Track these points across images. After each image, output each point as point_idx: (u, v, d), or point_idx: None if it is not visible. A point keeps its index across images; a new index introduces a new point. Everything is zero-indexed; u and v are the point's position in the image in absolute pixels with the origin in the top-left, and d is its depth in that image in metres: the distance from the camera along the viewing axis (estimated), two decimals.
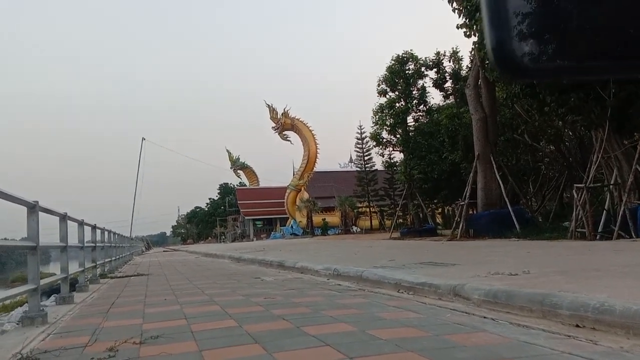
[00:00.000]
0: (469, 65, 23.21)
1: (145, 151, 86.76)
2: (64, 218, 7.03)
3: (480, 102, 18.97)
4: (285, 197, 60.49)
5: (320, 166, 62.49)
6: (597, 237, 12.40)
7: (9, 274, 48.82)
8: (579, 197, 13.36)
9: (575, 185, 14.47)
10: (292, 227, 58.23)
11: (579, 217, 13.24)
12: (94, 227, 10.54)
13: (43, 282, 5.42)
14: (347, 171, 61.29)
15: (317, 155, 60.27)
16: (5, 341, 4.08)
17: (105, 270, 12.61)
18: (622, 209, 12.23)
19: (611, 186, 13.58)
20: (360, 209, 50.33)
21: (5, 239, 10.01)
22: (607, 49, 0.62)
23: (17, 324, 5.13)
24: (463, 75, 25.90)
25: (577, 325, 3.39)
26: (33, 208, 5.11)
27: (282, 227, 62.93)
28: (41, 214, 5.41)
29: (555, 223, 17.45)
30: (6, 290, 5.19)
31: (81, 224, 8.83)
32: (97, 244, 10.96)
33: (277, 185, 69.48)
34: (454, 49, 27.49)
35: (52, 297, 7.97)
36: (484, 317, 3.90)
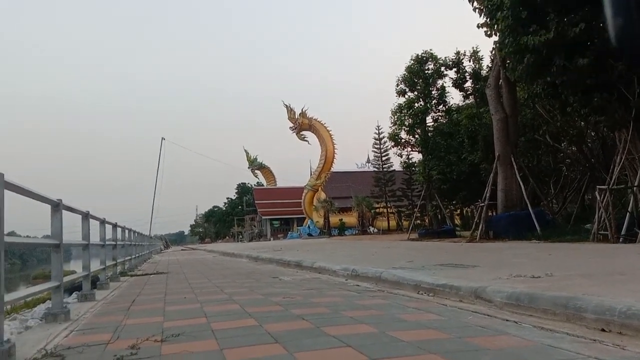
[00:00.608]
0: (490, 65, 22.96)
1: (165, 151, 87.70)
2: (86, 216, 7.12)
3: (500, 102, 18.77)
4: (303, 197, 60.59)
5: (338, 166, 62.52)
6: (620, 240, 12.17)
7: (30, 271, 49.73)
8: (602, 198, 13.13)
9: (597, 186, 14.22)
10: (309, 227, 58.32)
11: (602, 219, 13.02)
12: (114, 226, 10.66)
13: (66, 279, 5.50)
14: (365, 171, 61.20)
15: (335, 155, 60.27)
16: (29, 337, 4.15)
17: (125, 268, 12.75)
18: None
19: (635, 188, 13.32)
20: (377, 210, 50.17)
21: (27, 236, 10.17)
22: None
23: (41, 321, 5.20)
24: (483, 75, 25.65)
25: (603, 330, 3.33)
26: (57, 206, 5.18)
27: (299, 227, 63.08)
28: (64, 213, 5.48)
29: (577, 225, 17.18)
30: (31, 287, 5.27)
31: (102, 222, 8.94)
32: (118, 242, 11.09)
33: (295, 185, 69.66)
34: (474, 49, 27.25)
35: (74, 295, 8.07)
36: (507, 320, 3.85)
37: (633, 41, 0.62)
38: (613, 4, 0.63)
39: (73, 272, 8.71)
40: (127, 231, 13.66)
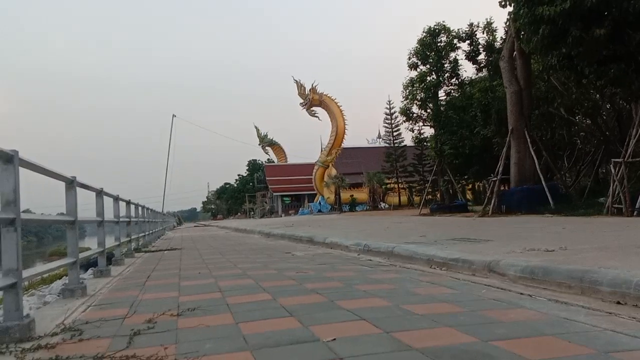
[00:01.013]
0: (504, 37, 22.57)
1: (176, 128, 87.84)
2: (100, 193, 7.17)
3: (514, 75, 18.47)
4: (313, 174, 60.54)
5: (349, 142, 62.22)
6: (635, 214, 12.06)
7: (46, 248, 50.56)
8: (617, 172, 12.97)
9: (612, 159, 14.04)
10: (320, 203, 58.40)
11: (616, 192, 12.88)
12: (128, 203, 10.75)
13: (82, 255, 5.56)
14: (376, 147, 60.91)
15: (345, 131, 59.92)
16: (47, 312, 4.22)
17: (140, 244, 12.90)
18: None
19: None
20: (388, 185, 50.02)
21: (42, 214, 10.29)
22: None
23: (58, 296, 5.29)
24: (497, 47, 25.21)
25: (619, 302, 3.31)
26: (71, 183, 5.21)
27: (310, 203, 63.19)
28: (78, 190, 5.52)
29: (591, 199, 17.04)
30: (48, 263, 5.34)
31: (116, 199, 9.00)
32: (132, 219, 11.18)
33: (305, 161, 69.57)
34: (488, 20, 26.73)
35: (90, 271, 8.20)
36: (521, 294, 3.84)
37: None
38: None
39: (88, 249, 8.83)
40: (140, 208, 13.77)
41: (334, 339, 2.67)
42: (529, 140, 17.98)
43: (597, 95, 18.47)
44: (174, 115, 71.16)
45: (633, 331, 2.62)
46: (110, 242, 8.71)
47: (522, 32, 15.48)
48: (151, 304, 4.11)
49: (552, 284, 3.97)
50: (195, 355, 2.54)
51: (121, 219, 9.36)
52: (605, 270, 3.71)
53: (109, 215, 8.17)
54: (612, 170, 13.35)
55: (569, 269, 3.96)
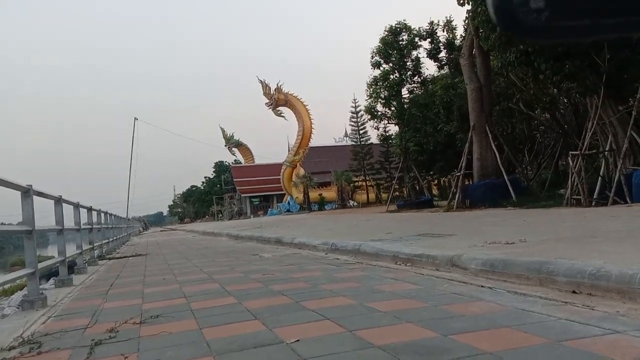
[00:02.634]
0: (463, 35, 22.95)
1: (139, 131, 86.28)
2: (58, 201, 7.00)
3: (474, 72, 18.83)
4: (281, 174, 60.35)
5: (316, 141, 62.24)
6: (593, 204, 12.46)
7: (8, 258, 49.00)
8: (575, 164, 13.38)
9: (570, 152, 14.47)
10: (288, 203, 58.31)
11: (575, 184, 13.28)
12: (89, 209, 10.52)
13: (41, 265, 5.42)
14: (343, 145, 61.16)
15: (312, 130, 59.90)
16: (5, 325, 4.09)
17: (103, 251, 12.64)
18: (617, 175, 12.27)
19: (606, 152, 13.60)
20: (356, 183, 50.32)
21: (2, 223, 9.97)
22: (624, 4, 0.57)
23: (17, 308, 5.14)
24: (457, 44, 25.62)
25: (574, 292, 3.42)
26: (27, 192, 5.07)
27: (279, 204, 63.00)
28: (36, 198, 5.38)
29: (551, 191, 17.52)
30: (4, 275, 5.18)
31: (77, 206, 8.80)
32: (94, 226, 10.95)
33: (273, 161, 69.32)
34: (448, 18, 27.12)
35: (51, 280, 7.99)
36: (482, 286, 3.92)
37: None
38: None
39: (51, 257, 8.61)
40: (103, 214, 13.49)
41: (298, 340, 2.68)
42: (490, 135, 18.35)
43: (555, 90, 18.97)
44: (135, 119, 69.90)
45: (586, 319, 2.72)
46: (71, 250, 8.50)
47: (481, 30, 15.79)
48: (113, 313, 4.04)
49: (511, 276, 4.07)
50: None
51: (83, 226, 9.15)
52: (561, 261, 3.82)
53: (69, 222, 7.99)
54: (570, 163, 13.76)
55: (527, 261, 4.07)
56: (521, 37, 0.64)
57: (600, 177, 13.11)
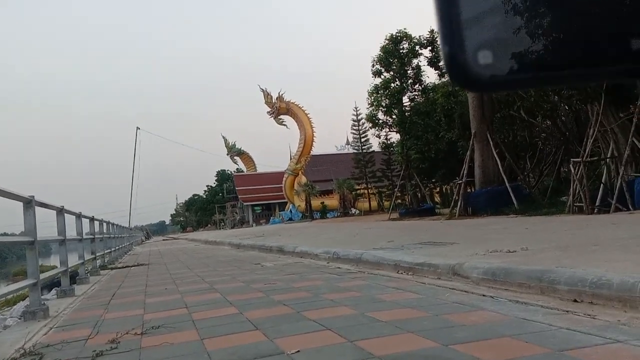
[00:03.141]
0: None
1: (141, 140, 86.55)
2: (60, 211, 7.02)
3: None
4: (283, 182, 60.40)
5: (317, 149, 62.32)
6: (595, 211, 12.43)
7: (10, 268, 48.96)
8: (576, 171, 13.36)
9: (572, 159, 14.46)
10: (290, 211, 58.31)
11: (577, 191, 13.26)
12: (92, 219, 10.54)
13: (43, 276, 5.43)
14: (345, 154, 61.17)
15: (314, 138, 60.04)
16: (7, 336, 4.10)
17: (106, 261, 12.64)
18: (619, 182, 12.25)
19: (608, 159, 13.59)
20: (358, 191, 50.30)
21: (5, 233, 9.99)
22: (569, 57, 0.60)
23: (19, 319, 5.15)
24: None
25: (575, 300, 3.41)
26: (29, 203, 5.09)
27: (281, 212, 63.00)
28: (39, 209, 5.40)
29: (553, 198, 17.48)
30: (6, 286, 5.18)
31: (79, 216, 8.82)
32: (96, 236, 10.96)
33: (275, 170, 69.41)
34: None
35: (53, 291, 7.99)
36: (483, 295, 3.92)
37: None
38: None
39: (54, 267, 8.61)
40: (105, 224, 13.50)
41: (298, 351, 2.68)
42: (491, 143, 18.36)
43: (556, 98, 18.98)
44: (138, 128, 70.20)
45: (587, 328, 2.71)
46: (74, 260, 8.51)
47: None
48: (115, 323, 4.04)
49: (513, 284, 4.06)
50: None
51: (85, 236, 9.17)
52: (563, 270, 3.82)
53: (72, 233, 8.00)
54: (572, 170, 13.75)
55: (528, 270, 4.07)
56: (474, 90, 0.67)
57: (602, 184, 13.09)
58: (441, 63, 27.57)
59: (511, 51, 0.61)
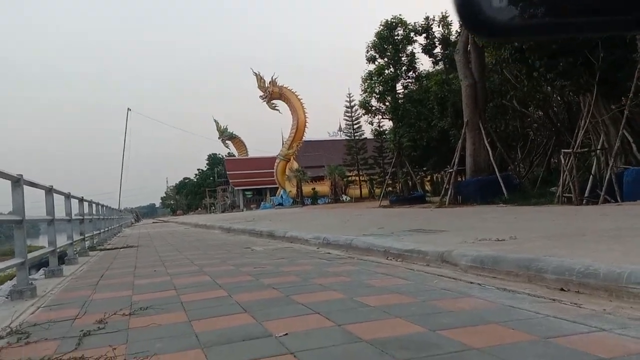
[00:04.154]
0: (459, 31, 22.95)
1: (132, 122, 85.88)
2: (49, 191, 6.96)
3: (469, 68, 18.86)
4: (275, 167, 60.34)
5: (310, 135, 62.27)
6: (584, 202, 12.54)
7: None
8: (566, 162, 13.45)
9: (562, 150, 14.55)
10: (281, 197, 58.32)
11: (566, 182, 13.36)
12: (81, 200, 10.47)
13: (31, 255, 5.39)
14: (337, 140, 61.11)
15: (306, 124, 59.94)
16: None
17: (94, 242, 12.59)
18: (608, 173, 12.35)
19: (598, 151, 13.68)
20: (349, 178, 50.37)
21: None
22: (584, 3, 0.58)
23: (6, 298, 5.11)
24: (452, 40, 25.62)
25: (562, 289, 3.44)
26: (17, 182, 5.04)
27: (272, 197, 63.02)
28: (27, 188, 5.35)
29: (543, 188, 17.60)
30: None
31: (68, 197, 8.76)
32: (85, 217, 10.90)
33: (267, 155, 69.27)
34: (443, 14, 27.10)
35: (41, 271, 7.96)
36: (471, 283, 3.94)
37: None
38: None
39: (42, 248, 8.56)
40: (94, 205, 13.43)
41: (286, 334, 2.68)
42: (483, 132, 18.41)
43: (548, 88, 19.02)
44: (129, 109, 69.65)
45: (573, 317, 2.74)
46: (62, 240, 8.47)
47: None
48: (103, 304, 4.03)
49: (501, 272, 4.09)
50: (146, 354, 2.51)
51: (74, 217, 9.11)
52: (550, 259, 3.85)
53: (61, 213, 7.95)
54: (562, 161, 13.83)
55: (516, 258, 4.10)
56: (484, 36, 0.65)
57: (591, 176, 13.19)
58: (436, 50, 27.55)
59: None
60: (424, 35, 27.52)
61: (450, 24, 26.95)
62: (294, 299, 3.69)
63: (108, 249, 11.45)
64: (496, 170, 17.66)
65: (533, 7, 0.59)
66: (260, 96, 60.10)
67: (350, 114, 46.27)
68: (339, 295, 3.72)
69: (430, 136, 25.28)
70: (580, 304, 3.02)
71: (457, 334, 2.49)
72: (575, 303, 3.05)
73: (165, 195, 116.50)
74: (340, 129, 62.36)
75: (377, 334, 2.58)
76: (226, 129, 78.65)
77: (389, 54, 27.08)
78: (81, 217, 10.25)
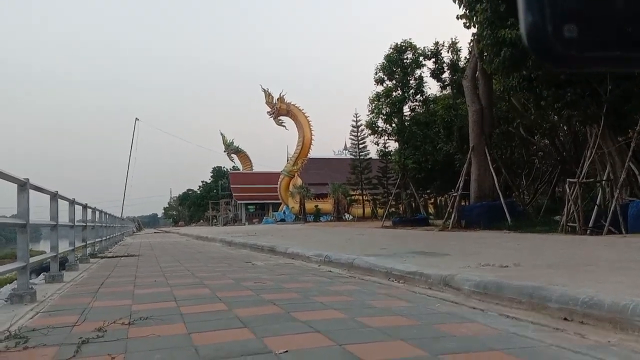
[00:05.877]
0: (467, 57, 23.08)
1: (139, 132, 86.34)
2: (54, 197, 6.98)
3: (477, 94, 18.93)
4: (279, 183, 60.41)
5: (315, 153, 62.43)
6: (588, 232, 12.47)
7: (0, 249, 48.64)
8: (571, 191, 13.41)
9: (568, 179, 14.51)
10: (284, 212, 58.28)
11: (571, 211, 13.30)
12: (84, 207, 10.48)
13: (32, 260, 5.39)
14: (342, 158, 61.25)
15: (312, 141, 60.16)
16: None
17: (96, 250, 12.57)
18: (613, 204, 12.29)
19: (603, 182, 13.64)
20: (353, 197, 50.32)
21: None
22: None
23: (6, 302, 5.10)
24: (461, 66, 25.76)
25: (566, 319, 3.40)
26: (24, 186, 5.06)
27: (274, 212, 62.96)
28: (32, 192, 5.37)
29: (547, 217, 17.53)
30: None
31: (72, 203, 8.77)
32: (88, 224, 10.90)
33: (271, 170, 69.37)
34: (453, 40, 27.28)
35: (42, 276, 7.94)
36: (474, 308, 3.91)
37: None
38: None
39: (43, 252, 8.56)
40: (97, 212, 13.44)
41: (286, 351, 2.66)
42: (489, 157, 18.41)
43: (555, 117, 19.06)
44: (136, 119, 70.04)
45: (577, 347, 2.71)
46: (64, 246, 8.46)
47: (485, 53, 15.89)
48: (103, 312, 4.01)
49: (504, 299, 4.06)
50: None
51: (77, 223, 9.12)
52: (555, 287, 3.82)
53: (64, 219, 7.95)
54: (568, 190, 13.80)
55: (520, 285, 4.07)
56: (555, 66, 0.65)
57: (596, 206, 13.13)
58: (444, 75, 27.68)
59: (601, 25, 0.58)
60: (433, 59, 27.70)
61: (459, 50, 27.16)
62: (295, 316, 3.66)
63: (109, 257, 11.43)
64: (501, 196, 17.61)
65: (609, 39, 0.58)
66: (268, 112, 60.47)
67: (356, 134, 46.46)
68: (340, 315, 3.69)
69: (435, 159, 25.30)
70: (584, 334, 2.99)
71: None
72: (579, 333, 3.02)
73: (168, 205, 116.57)
74: (345, 148, 62.65)
75: (379, 355, 2.56)
76: (232, 142, 79.00)
77: (397, 76, 27.26)
78: (84, 224, 10.25)
